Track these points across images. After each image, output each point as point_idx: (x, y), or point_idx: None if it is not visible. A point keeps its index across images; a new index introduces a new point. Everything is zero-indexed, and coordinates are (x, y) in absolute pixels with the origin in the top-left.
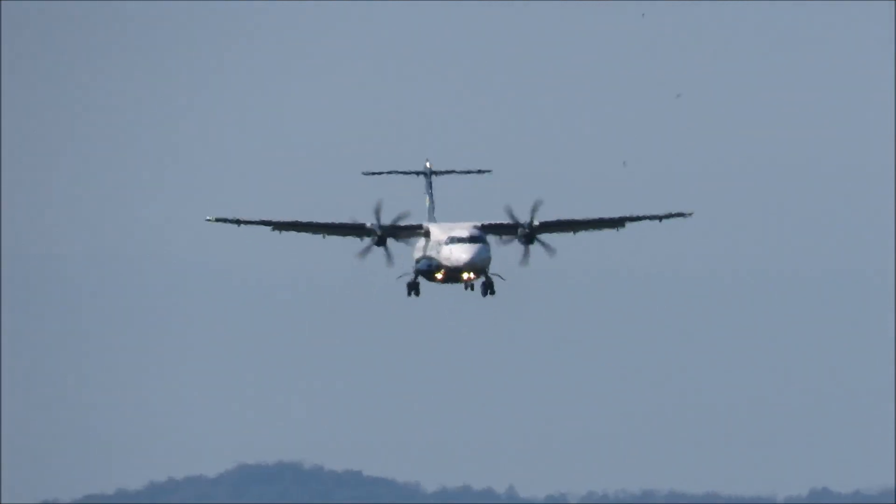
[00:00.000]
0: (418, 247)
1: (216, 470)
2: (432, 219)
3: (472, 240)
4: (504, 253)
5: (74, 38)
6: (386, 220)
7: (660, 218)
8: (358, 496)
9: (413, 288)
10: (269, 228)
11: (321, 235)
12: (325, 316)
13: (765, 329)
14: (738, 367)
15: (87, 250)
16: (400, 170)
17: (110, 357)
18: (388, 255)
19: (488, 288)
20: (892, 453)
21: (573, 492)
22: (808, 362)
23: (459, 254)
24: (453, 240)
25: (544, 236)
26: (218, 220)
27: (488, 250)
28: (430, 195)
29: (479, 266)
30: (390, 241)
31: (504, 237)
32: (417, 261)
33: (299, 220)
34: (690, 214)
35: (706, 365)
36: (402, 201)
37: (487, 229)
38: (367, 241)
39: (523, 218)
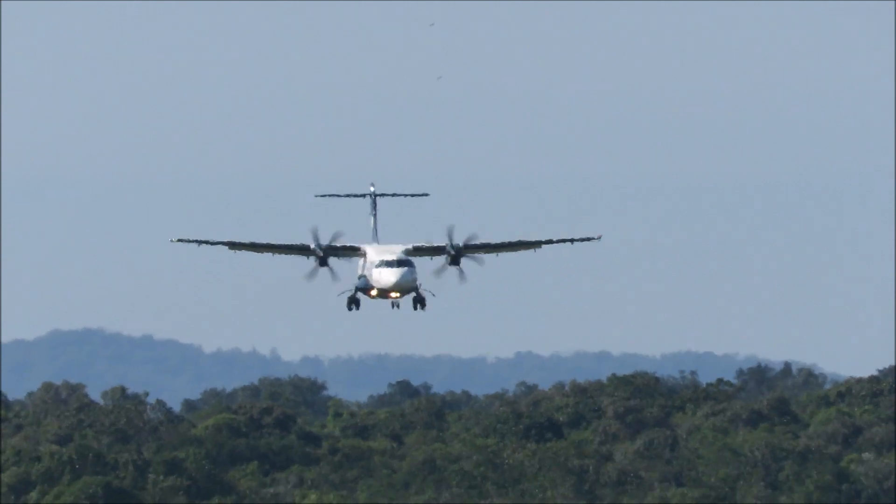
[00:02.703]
0: (359, 265)
1: (34, 334)
2: (376, 238)
3: (398, 264)
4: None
5: None
6: (325, 241)
7: (573, 241)
8: (150, 356)
9: (353, 302)
10: (226, 248)
11: (271, 255)
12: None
13: None
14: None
15: None
16: (349, 193)
17: None
18: (332, 274)
19: (418, 303)
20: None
21: (324, 354)
22: None
23: (387, 277)
24: (382, 263)
25: (470, 255)
26: (181, 240)
27: (413, 272)
28: (375, 216)
29: (404, 288)
30: (333, 261)
31: (434, 258)
32: (359, 277)
33: (254, 241)
34: (599, 238)
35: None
36: (352, 222)
37: (419, 251)
38: (312, 261)
39: (451, 240)
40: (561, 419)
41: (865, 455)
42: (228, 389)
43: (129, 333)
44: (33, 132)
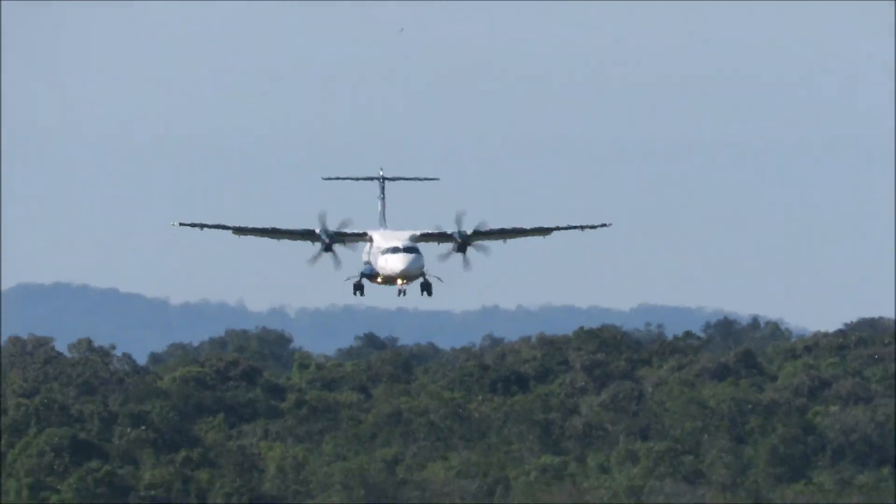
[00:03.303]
0: (365, 250)
1: (1, 288)
2: (384, 223)
3: (405, 250)
4: (443, 256)
5: None
6: (332, 226)
7: (583, 227)
8: (117, 309)
9: (358, 288)
10: (229, 232)
11: (276, 240)
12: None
13: None
14: None
15: None
16: (357, 175)
17: None
18: (336, 260)
19: (425, 289)
20: None
21: (291, 305)
22: None
23: (394, 264)
24: (389, 250)
25: (477, 243)
26: (182, 224)
27: (420, 259)
28: (383, 200)
29: (411, 275)
30: (338, 247)
31: (441, 244)
32: (365, 264)
33: (256, 225)
34: (610, 225)
35: None
36: (360, 204)
37: (427, 237)
38: (317, 246)
39: (459, 227)
40: (527, 372)
41: (832, 408)
42: (195, 342)
43: (96, 286)
44: (29, 82)
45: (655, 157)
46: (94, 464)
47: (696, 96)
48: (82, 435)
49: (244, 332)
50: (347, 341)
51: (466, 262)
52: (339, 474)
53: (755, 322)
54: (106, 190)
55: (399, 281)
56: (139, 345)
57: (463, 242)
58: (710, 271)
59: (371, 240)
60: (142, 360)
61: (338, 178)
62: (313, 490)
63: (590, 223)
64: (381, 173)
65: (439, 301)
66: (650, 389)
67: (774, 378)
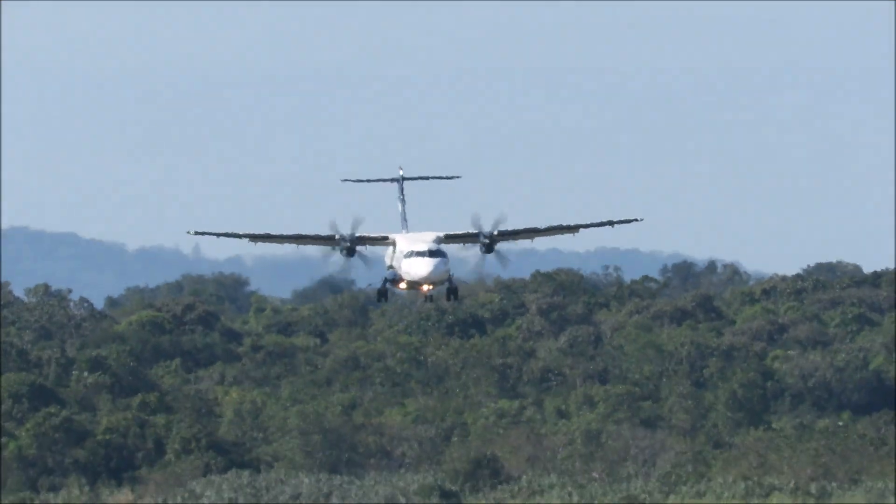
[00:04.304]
0: (387, 255)
1: None
2: (405, 225)
3: (430, 254)
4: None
5: None
6: (347, 230)
7: (612, 223)
8: (74, 253)
9: (382, 295)
10: (246, 240)
11: (295, 246)
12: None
13: None
14: None
15: None
16: (377, 177)
17: None
18: (364, 262)
19: (451, 293)
20: None
21: (247, 251)
22: None
23: (418, 269)
24: (412, 253)
25: (503, 245)
26: (198, 233)
27: (446, 263)
28: (403, 201)
29: (436, 279)
30: (361, 250)
31: (467, 245)
32: (388, 269)
33: (272, 232)
34: (641, 220)
35: None
36: (379, 208)
37: (451, 238)
38: (340, 252)
39: (486, 227)
40: (484, 316)
41: (790, 352)
42: (151, 286)
43: (54, 231)
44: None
45: (614, 98)
46: (51, 409)
47: (648, 29)
48: (40, 380)
49: (200, 276)
50: (304, 285)
51: (503, 260)
52: (295, 419)
53: (713, 266)
54: (64, 134)
55: (424, 287)
56: (96, 289)
57: (490, 243)
58: (668, 215)
59: (394, 243)
60: (99, 304)
61: (357, 181)
62: (271, 434)
63: (619, 218)
64: (400, 173)
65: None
66: (608, 333)
67: (732, 322)
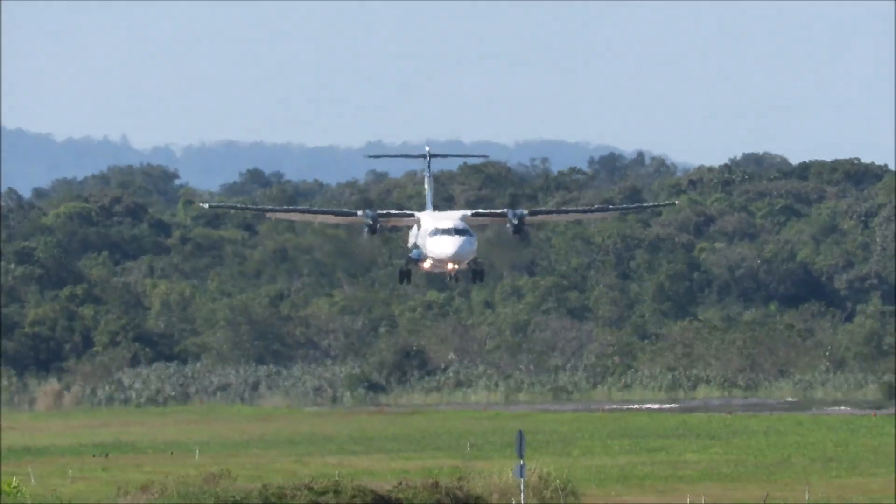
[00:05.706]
0: (412, 233)
1: None
2: (430, 204)
3: (456, 232)
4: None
5: None
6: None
7: (647, 208)
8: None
9: (405, 275)
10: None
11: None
12: None
13: None
14: None
15: None
16: (402, 153)
17: None
18: (387, 239)
19: (477, 275)
20: None
21: (176, 143)
22: None
23: (443, 247)
24: (438, 231)
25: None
26: (212, 206)
27: (473, 242)
28: (429, 179)
29: (462, 258)
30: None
31: (495, 223)
32: (412, 248)
33: (297, 207)
34: (675, 204)
35: None
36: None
37: (479, 216)
38: (363, 230)
39: (515, 206)
40: (411, 207)
41: (717, 244)
42: (80, 178)
43: None
44: None
45: None
46: None
47: None
48: None
49: (129, 167)
50: (233, 177)
51: (527, 240)
52: (223, 310)
53: (640, 157)
54: None
55: (449, 266)
56: (24, 180)
57: (520, 223)
58: (595, 105)
59: (418, 221)
60: (26, 195)
61: (383, 157)
62: (199, 326)
63: (656, 203)
64: (427, 150)
65: (325, 137)
66: (534, 225)
67: (660, 213)
